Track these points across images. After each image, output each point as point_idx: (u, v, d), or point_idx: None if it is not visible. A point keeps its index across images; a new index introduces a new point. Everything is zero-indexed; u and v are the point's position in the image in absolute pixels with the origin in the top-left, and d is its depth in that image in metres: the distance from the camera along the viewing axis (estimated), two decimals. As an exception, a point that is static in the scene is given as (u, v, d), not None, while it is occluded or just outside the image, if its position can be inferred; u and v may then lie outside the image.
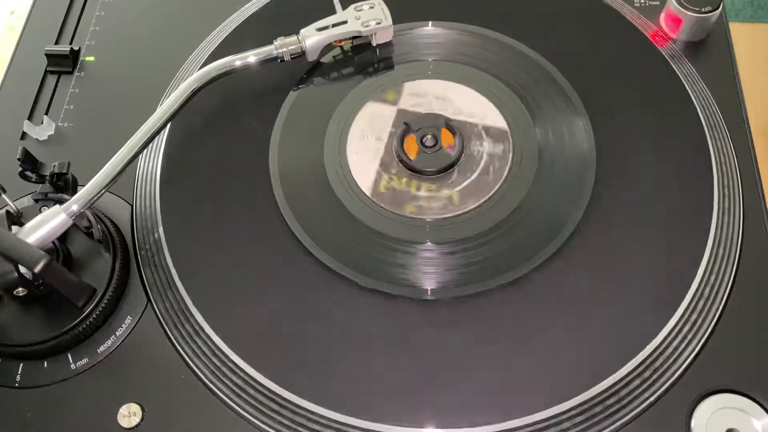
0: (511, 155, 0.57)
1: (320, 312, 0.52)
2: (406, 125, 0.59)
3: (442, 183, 0.57)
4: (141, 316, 0.53)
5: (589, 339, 0.50)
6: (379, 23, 0.61)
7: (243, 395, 0.49)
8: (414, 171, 0.57)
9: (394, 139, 0.58)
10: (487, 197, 0.56)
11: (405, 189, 0.57)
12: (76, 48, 0.66)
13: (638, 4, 0.66)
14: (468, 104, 0.60)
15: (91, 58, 0.66)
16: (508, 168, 0.57)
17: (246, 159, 0.59)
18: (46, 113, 0.63)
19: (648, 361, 0.49)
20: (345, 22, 0.61)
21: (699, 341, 0.50)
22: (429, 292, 0.52)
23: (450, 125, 0.59)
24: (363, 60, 0.63)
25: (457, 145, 0.58)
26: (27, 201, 0.55)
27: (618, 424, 0.47)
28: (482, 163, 0.57)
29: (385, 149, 0.58)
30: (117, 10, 0.70)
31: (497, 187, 0.56)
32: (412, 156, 0.58)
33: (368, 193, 0.56)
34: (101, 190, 0.51)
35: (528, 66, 0.62)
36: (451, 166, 0.57)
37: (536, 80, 0.61)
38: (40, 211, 0.51)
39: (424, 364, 0.50)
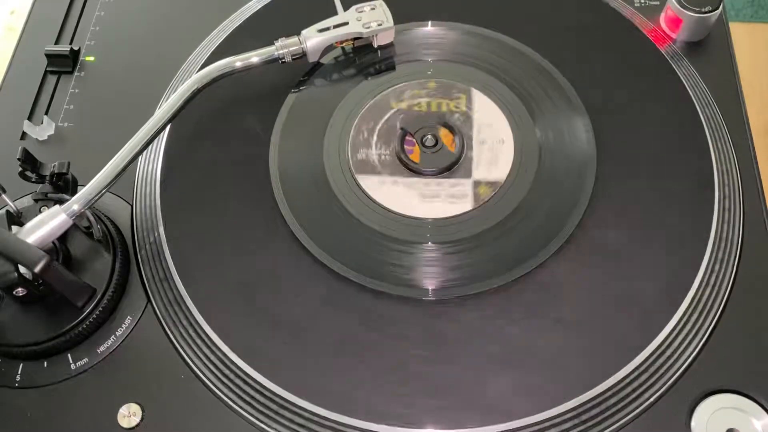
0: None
1: (320, 312, 0.52)
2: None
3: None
4: (141, 316, 0.53)
5: (589, 339, 0.50)
6: (380, 24, 0.61)
7: (243, 395, 0.49)
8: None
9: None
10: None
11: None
12: (76, 48, 0.66)
13: (638, 4, 0.66)
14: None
15: (91, 58, 0.66)
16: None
17: (246, 159, 0.59)
18: (46, 113, 0.63)
19: (648, 361, 0.49)
20: (346, 24, 0.61)
21: (699, 341, 0.50)
22: (429, 292, 0.52)
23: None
24: (364, 61, 0.63)
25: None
26: (27, 201, 0.55)
27: (618, 424, 0.47)
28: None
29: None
30: (117, 10, 0.70)
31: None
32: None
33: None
34: (101, 190, 0.51)
35: (528, 66, 0.62)
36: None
37: (536, 80, 0.61)
38: (40, 211, 0.51)
39: (424, 364, 0.50)
